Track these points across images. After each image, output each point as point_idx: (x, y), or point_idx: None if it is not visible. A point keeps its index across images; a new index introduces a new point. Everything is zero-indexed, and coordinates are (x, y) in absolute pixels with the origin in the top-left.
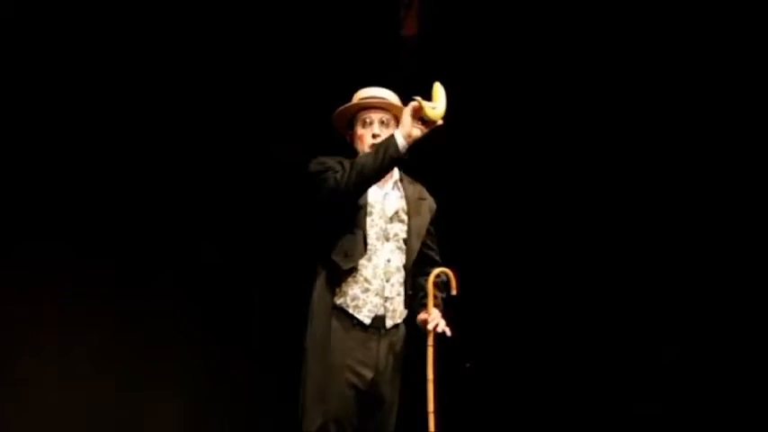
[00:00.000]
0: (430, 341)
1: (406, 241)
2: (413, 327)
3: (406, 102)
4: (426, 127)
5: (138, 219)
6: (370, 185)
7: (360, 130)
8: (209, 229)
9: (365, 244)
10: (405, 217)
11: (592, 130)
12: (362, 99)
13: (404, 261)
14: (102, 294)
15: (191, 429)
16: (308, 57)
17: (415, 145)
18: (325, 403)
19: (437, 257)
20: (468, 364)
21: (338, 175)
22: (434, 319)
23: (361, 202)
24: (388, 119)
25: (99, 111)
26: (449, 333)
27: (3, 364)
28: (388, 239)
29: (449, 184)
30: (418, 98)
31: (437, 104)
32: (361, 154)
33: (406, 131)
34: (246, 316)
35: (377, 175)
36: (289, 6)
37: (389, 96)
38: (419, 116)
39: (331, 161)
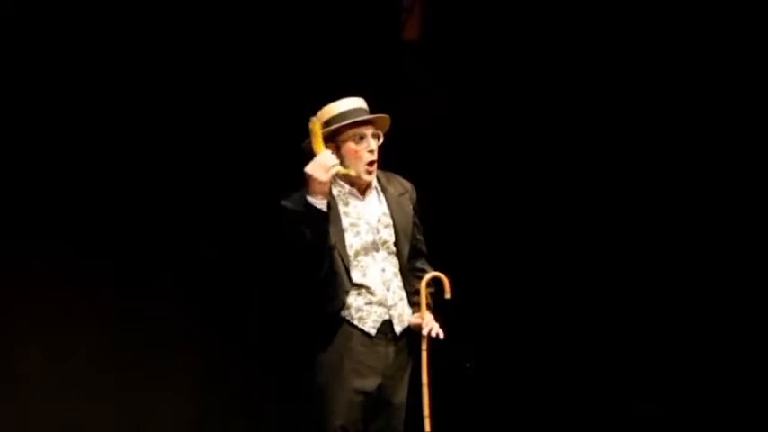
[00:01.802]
0: (424, 345)
1: (395, 244)
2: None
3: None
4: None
5: (138, 219)
6: (321, 248)
7: (353, 146)
8: (209, 229)
9: (349, 277)
10: (389, 220)
11: (594, 132)
12: (345, 113)
13: (398, 265)
14: (102, 294)
15: (191, 429)
16: (310, 61)
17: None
18: (332, 410)
19: (423, 248)
20: (467, 365)
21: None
22: (428, 323)
23: (341, 225)
24: (378, 132)
25: (99, 109)
26: (442, 336)
27: (3, 364)
28: (378, 250)
29: (449, 186)
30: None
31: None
32: (353, 174)
33: (318, 188)
34: (246, 316)
35: (319, 239)
36: (289, 11)
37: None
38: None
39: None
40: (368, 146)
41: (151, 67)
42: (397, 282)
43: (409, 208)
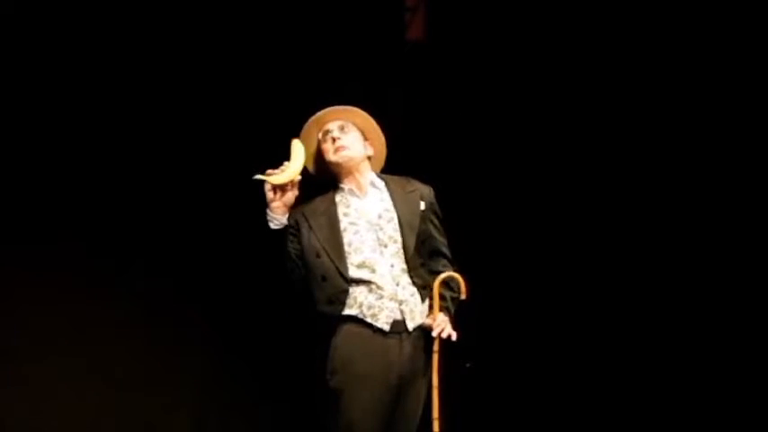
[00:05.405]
0: (435, 347)
1: (401, 238)
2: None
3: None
4: (285, 189)
5: (138, 219)
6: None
7: (323, 146)
8: (209, 230)
9: (346, 279)
10: (392, 215)
11: (601, 130)
12: (308, 123)
13: (405, 260)
14: (102, 294)
15: (191, 430)
16: (313, 61)
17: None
18: (348, 416)
19: (444, 249)
20: (467, 365)
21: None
22: (440, 324)
23: (338, 227)
24: (346, 124)
25: (101, 109)
26: (454, 337)
27: (3, 365)
28: (386, 246)
29: (449, 186)
30: (258, 177)
31: (286, 166)
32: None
33: (268, 205)
34: (247, 316)
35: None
36: (293, 12)
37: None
38: (273, 187)
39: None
40: (332, 135)
41: (152, 69)
42: (407, 278)
43: (416, 203)
